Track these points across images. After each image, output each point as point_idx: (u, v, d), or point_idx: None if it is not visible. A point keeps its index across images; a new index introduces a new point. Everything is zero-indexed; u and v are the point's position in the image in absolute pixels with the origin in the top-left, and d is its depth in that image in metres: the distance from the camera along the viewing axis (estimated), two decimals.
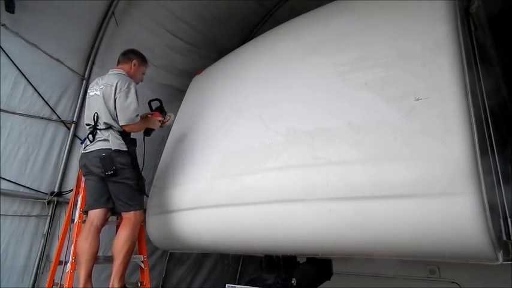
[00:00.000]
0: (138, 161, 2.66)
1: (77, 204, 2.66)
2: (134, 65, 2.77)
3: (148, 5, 3.59)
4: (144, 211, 2.98)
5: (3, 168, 2.82)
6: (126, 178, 2.47)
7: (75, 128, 3.30)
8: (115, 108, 2.48)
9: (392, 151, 1.74)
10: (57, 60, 3.18)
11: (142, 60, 2.87)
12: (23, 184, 2.94)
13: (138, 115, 2.53)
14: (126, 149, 2.49)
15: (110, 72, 2.71)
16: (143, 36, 3.73)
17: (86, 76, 3.38)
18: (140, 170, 2.66)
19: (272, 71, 2.68)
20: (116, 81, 2.53)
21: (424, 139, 1.67)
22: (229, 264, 4.86)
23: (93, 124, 2.53)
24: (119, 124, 2.49)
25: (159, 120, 2.87)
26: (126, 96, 2.48)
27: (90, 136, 2.52)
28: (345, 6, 2.45)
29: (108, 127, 2.48)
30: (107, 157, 2.42)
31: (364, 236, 1.82)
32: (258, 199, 2.21)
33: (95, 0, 3.27)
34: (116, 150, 2.44)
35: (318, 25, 2.57)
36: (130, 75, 2.72)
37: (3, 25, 2.80)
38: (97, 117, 2.51)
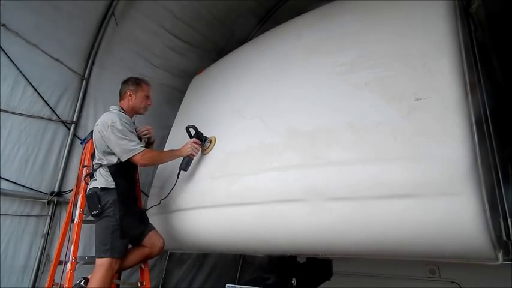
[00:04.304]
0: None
1: (76, 204, 2.66)
2: (130, 95, 2.60)
3: (148, 5, 3.59)
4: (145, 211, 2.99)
5: (3, 168, 2.82)
6: (108, 216, 2.30)
7: (75, 128, 3.31)
8: (106, 146, 2.39)
9: (392, 151, 1.74)
10: (57, 60, 3.18)
11: (136, 84, 2.64)
12: (23, 184, 2.94)
13: (138, 144, 2.39)
14: (113, 186, 2.37)
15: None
16: (143, 36, 3.74)
17: (85, 76, 3.39)
18: (130, 206, 2.44)
19: (272, 71, 2.68)
20: (101, 120, 2.46)
21: (424, 139, 1.67)
22: (229, 264, 4.87)
23: (91, 166, 2.52)
24: (110, 160, 2.41)
25: (196, 148, 2.59)
26: (112, 132, 2.35)
27: (87, 179, 2.49)
28: (345, 6, 2.45)
29: (99, 166, 2.43)
30: (93, 195, 2.34)
31: (364, 236, 1.82)
32: (258, 199, 2.20)
33: (95, 0, 3.27)
34: (102, 188, 2.35)
35: (318, 25, 2.57)
36: (131, 107, 2.61)
37: (3, 25, 2.81)
38: (93, 158, 2.53)
